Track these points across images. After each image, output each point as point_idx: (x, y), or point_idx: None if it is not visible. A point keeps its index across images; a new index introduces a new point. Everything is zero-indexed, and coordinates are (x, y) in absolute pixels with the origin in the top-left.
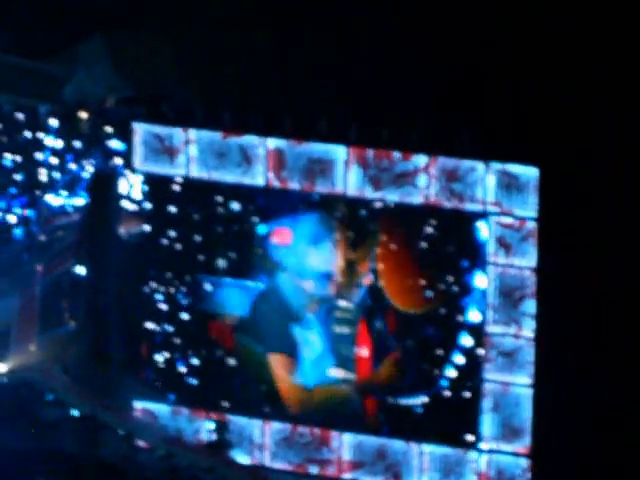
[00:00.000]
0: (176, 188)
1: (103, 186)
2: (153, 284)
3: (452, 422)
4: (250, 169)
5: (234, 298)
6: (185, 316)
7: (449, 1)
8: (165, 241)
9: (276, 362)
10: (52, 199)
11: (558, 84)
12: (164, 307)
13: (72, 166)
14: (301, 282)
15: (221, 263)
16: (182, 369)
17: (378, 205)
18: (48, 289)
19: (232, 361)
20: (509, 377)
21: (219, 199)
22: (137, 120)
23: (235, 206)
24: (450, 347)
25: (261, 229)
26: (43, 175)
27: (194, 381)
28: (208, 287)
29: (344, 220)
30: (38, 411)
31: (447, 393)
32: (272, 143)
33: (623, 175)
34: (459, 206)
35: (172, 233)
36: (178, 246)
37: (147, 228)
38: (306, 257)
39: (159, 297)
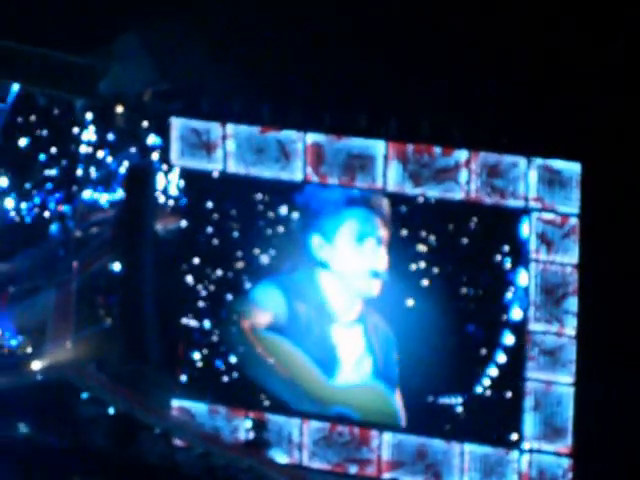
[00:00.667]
0: (213, 183)
1: (139, 181)
2: (190, 280)
3: (493, 421)
4: (288, 164)
5: (272, 296)
6: (223, 313)
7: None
8: (202, 237)
9: (313, 363)
10: (88, 195)
11: (601, 80)
12: (201, 304)
13: (108, 161)
14: (345, 281)
15: (259, 259)
16: (220, 367)
17: (419, 202)
18: (84, 286)
19: (268, 360)
20: (551, 376)
21: (257, 195)
22: (174, 114)
23: (274, 202)
24: (492, 345)
25: (301, 225)
26: (79, 170)
27: (232, 379)
28: (246, 284)
29: (387, 217)
30: (74, 409)
31: (488, 392)
32: (311, 138)
33: None
34: (500, 202)
35: (209, 229)
36: (215, 242)
37: (184, 224)
38: (350, 255)
39: (196, 294)
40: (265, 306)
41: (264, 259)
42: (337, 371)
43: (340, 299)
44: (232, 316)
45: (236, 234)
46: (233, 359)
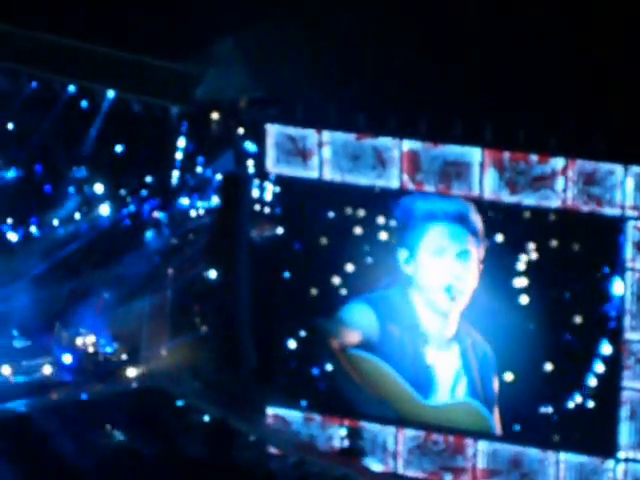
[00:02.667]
0: (309, 191)
1: (234, 189)
2: (285, 289)
3: (589, 430)
4: (385, 172)
5: (365, 314)
6: (317, 322)
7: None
8: (297, 245)
9: (407, 383)
10: (183, 202)
11: None
12: (296, 312)
13: (203, 168)
14: (430, 297)
15: (353, 273)
16: (315, 374)
17: (514, 211)
18: (179, 293)
19: (358, 378)
20: None
21: (353, 203)
22: (270, 121)
23: (370, 212)
24: (589, 355)
25: (394, 239)
26: (174, 177)
27: (327, 387)
28: (338, 298)
29: (480, 233)
30: (169, 417)
31: (585, 401)
32: (407, 145)
33: None
34: (597, 210)
35: (304, 237)
36: (309, 251)
37: (279, 231)
38: (429, 270)
39: (291, 302)
40: (357, 325)
41: (358, 273)
42: (432, 391)
43: (433, 317)
44: (326, 326)
45: (330, 243)
46: (328, 367)
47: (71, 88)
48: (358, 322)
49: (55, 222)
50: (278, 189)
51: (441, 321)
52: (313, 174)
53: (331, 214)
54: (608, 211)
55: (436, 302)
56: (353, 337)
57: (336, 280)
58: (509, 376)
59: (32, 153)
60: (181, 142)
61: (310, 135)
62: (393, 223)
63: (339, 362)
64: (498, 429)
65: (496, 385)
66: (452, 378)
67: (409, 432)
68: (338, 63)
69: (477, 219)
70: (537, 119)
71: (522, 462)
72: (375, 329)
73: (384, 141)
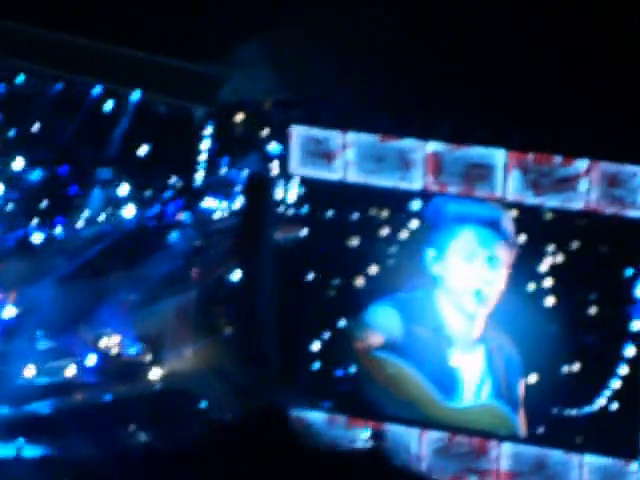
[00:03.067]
0: (333, 192)
1: (259, 190)
2: (309, 290)
3: (613, 433)
4: (408, 173)
5: (389, 316)
6: (342, 323)
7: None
8: (321, 247)
9: (431, 385)
10: (207, 203)
11: None
12: (320, 314)
13: (228, 169)
14: (458, 300)
15: (378, 275)
16: (339, 376)
17: (539, 213)
18: (203, 295)
19: (382, 379)
20: None
21: (377, 205)
22: (294, 123)
23: (395, 213)
24: (613, 358)
25: (421, 240)
26: (198, 178)
27: (351, 388)
28: (363, 300)
29: (512, 240)
30: (193, 418)
31: (609, 404)
32: (431, 147)
33: None
34: (620, 212)
35: (328, 239)
36: (334, 253)
37: (303, 233)
38: (459, 273)
39: (315, 303)
40: (381, 326)
41: (383, 274)
42: (456, 393)
43: (459, 319)
44: (350, 327)
45: (355, 246)
46: (352, 368)
47: (96, 89)
48: (382, 324)
49: (80, 223)
50: (302, 191)
51: (467, 323)
52: (337, 176)
53: (355, 215)
54: (631, 213)
55: (463, 304)
56: (377, 339)
57: (360, 282)
58: (533, 378)
59: (57, 154)
60: (206, 143)
61: (334, 137)
62: (418, 224)
63: (363, 364)
64: (523, 431)
65: (522, 388)
66: (477, 380)
67: (433, 434)
68: (363, 64)
69: (510, 225)
70: (561, 120)
71: (546, 464)
72: (399, 331)
73: (408, 143)
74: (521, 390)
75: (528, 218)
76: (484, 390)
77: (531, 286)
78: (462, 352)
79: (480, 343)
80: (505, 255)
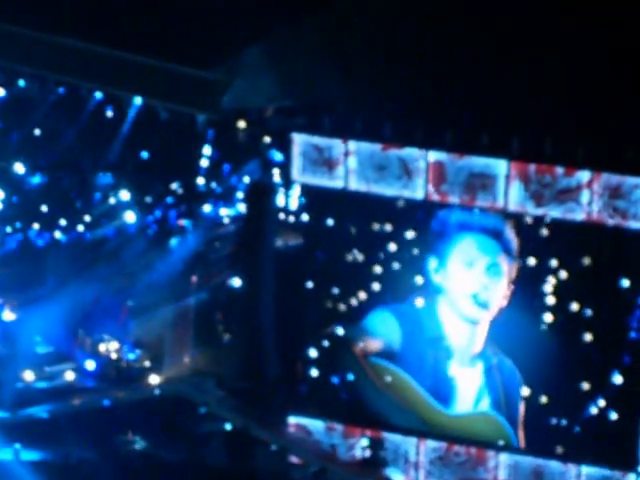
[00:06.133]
0: (334, 200)
1: (260, 197)
2: (309, 298)
3: (610, 443)
4: (410, 182)
5: (388, 324)
6: (340, 331)
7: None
8: (322, 255)
9: (428, 395)
10: (209, 209)
11: None
12: (319, 321)
13: (229, 176)
14: (459, 309)
15: (379, 283)
16: (337, 384)
17: (540, 224)
18: (203, 301)
19: (379, 385)
20: None
21: (378, 214)
22: (296, 130)
23: (396, 223)
24: (611, 368)
25: (422, 249)
26: (200, 185)
27: (349, 396)
28: (363, 308)
29: (514, 251)
30: (191, 424)
31: (606, 414)
32: (433, 156)
33: None
34: (622, 224)
35: (329, 247)
36: (334, 261)
37: (303, 240)
38: (459, 279)
39: (314, 311)
40: (380, 334)
41: (383, 283)
42: (453, 403)
43: (460, 329)
44: (348, 335)
45: (356, 253)
46: (350, 376)
47: (98, 94)
48: (381, 331)
49: (80, 228)
50: (303, 198)
51: (468, 334)
52: (339, 184)
53: (356, 223)
54: (633, 225)
55: (463, 309)
56: (375, 346)
57: (360, 289)
58: (531, 388)
59: (58, 159)
60: (207, 150)
61: (336, 145)
62: (420, 233)
63: (361, 371)
64: (521, 441)
65: (522, 406)
66: (474, 395)
67: (430, 443)
68: (365, 73)
69: (512, 237)
70: (563, 132)
71: (543, 475)
72: (398, 339)
73: (410, 152)
74: (522, 408)
75: (529, 230)
76: (482, 403)
77: (529, 296)
78: (460, 366)
79: (479, 359)
80: (506, 265)
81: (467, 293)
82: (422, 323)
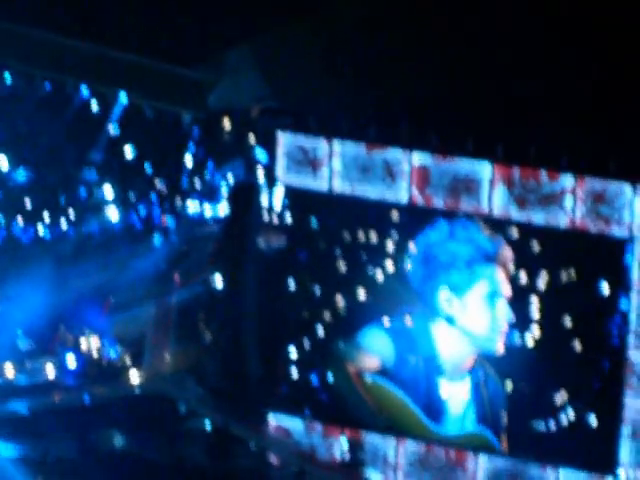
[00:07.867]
0: (318, 201)
1: (244, 197)
2: (290, 298)
3: (589, 448)
4: (394, 184)
5: (381, 341)
6: (321, 333)
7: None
8: (304, 256)
9: (419, 411)
10: (192, 208)
11: None
12: (301, 322)
13: (213, 175)
14: (465, 337)
15: (365, 297)
16: (317, 385)
17: (523, 229)
18: (184, 299)
19: (368, 400)
20: None
21: (363, 215)
22: (281, 130)
23: (378, 227)
24: (591, 373)
25: (425, 275)
26: (184, 184)
27: (329, 398)
28: (345, 309)
29: (511, 271)
30: (170, 422)
31: (586, 419)
32: (417, 158)
33: None
34: (605, 230)
35: (312, 248)
36: (318, 263)
37: (287, 241)
38: (480, 313)
39: (296, 312)
40: (372, 351)
41: (371, 297)
42: (443, 421)
43: (454, 353)
44: (330, 337)
45: (336, 253)
46: (330, 377)
47: (84, 91)
48: (373, 350)
49: (63, 224)
50: (287, 199)
51: (461, 357)
52: (323, 184)
53: (339, 226)
54: (616, 231)
55: (480, 343)
56: (368, 363)
57: (341, 289)
58: (511, 392)
59: (43, 155)
60: (192, 149)
61: (321, 145)
62: (422, 262)
63: (348, 380)
64: (504, 450)
65: (505, 417)
66: (463, 409)
67: (410, 445)
68: (351, 74)
69: (508, 253)
70: (548, 136)
71: (522, 478)
72: (391, 358)
73: (394, 153)
74: (505, 419)
75: (510, 233)
76: (470, 419)
77: (516, 303)
78: (450, 381)
79: (468, 374)
80: (508, 289)
81: (491, 328)
82: (415, 341)
